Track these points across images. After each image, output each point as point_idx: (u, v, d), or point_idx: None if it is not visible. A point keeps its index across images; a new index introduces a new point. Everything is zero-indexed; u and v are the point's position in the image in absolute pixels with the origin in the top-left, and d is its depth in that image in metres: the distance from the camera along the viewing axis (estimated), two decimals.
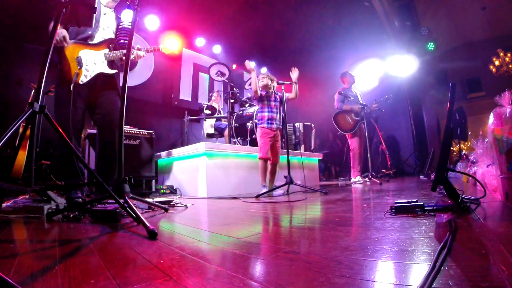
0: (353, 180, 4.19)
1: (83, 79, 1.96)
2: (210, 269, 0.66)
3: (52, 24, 1.80)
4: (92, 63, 2.01)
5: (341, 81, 4.65)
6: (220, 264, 0.70)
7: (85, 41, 2.02)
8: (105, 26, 2.14)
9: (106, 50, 2.07)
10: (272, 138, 2.95)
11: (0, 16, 3.61)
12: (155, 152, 3.50)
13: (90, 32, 2.04)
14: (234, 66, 6.70)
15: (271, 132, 2.96)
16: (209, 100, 5.30)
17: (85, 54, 1.99)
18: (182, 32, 5.92)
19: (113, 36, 2.16)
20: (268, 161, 2.99)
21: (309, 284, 0.53)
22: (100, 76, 2.04)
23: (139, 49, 2.14)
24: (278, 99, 3.10)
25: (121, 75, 1.69)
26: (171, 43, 2.39)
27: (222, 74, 4.53)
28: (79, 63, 1.96)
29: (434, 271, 0.53)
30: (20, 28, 3.80)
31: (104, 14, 2.14)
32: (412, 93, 6.92)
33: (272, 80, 3.06)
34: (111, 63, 2.10)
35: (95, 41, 2.07)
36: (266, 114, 3.00)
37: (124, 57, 2.09)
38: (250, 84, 4.52)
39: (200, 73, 6.41)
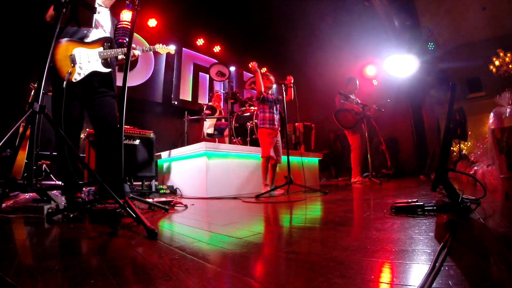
0: (353, 180, 4.19)
1: (76, 77, 1.95)
2: (210, 269, 0.66)
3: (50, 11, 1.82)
4: (86, 61, 2.00)
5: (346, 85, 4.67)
6: (220, 264, 0.70)
7: (81, 40, 2.02)
8: (100, 25, 2.14)
9: (101, 49, 2.07)
10: (274, 137, 3.00)
11: (0, 16, 3.62)
12: (155, 152, 3.50)
13: (85, 31, 2.04)
14: (233, 68, 6.70)
15: (273, 131, 3.00)
16: (209, 100, 5.30)
17: (79, 52, 1.98)
18: (182, 32, 5.92)
19: (107, 35, 2.16)
20: (270, 161, 3.02)
21: (309, 284, 0.53)
22: (95, 75, 2.03)
23: (133, 48, 2.13)
24: (276, 100, 3.16)
25: (120, 75, 1.69)
26: (167, 44, 2.39)
27: (222, 74, 4.53)
28: (73, 61, 1.95)
29: (434, 271, 0.53)
30: (20, 28, 3.81)
31: (99, 13, 2.13)
32: (412, 93, 6.92)
33: (272, 82, 3.14)
34: (105, 62, 2.09)
35: (90, 39, 2.07)
36: (267, 115, 3.03)
37: (119, 56, 2.09)
38: (250, 84, 4.53)
39: (200, 73, 6.41)
